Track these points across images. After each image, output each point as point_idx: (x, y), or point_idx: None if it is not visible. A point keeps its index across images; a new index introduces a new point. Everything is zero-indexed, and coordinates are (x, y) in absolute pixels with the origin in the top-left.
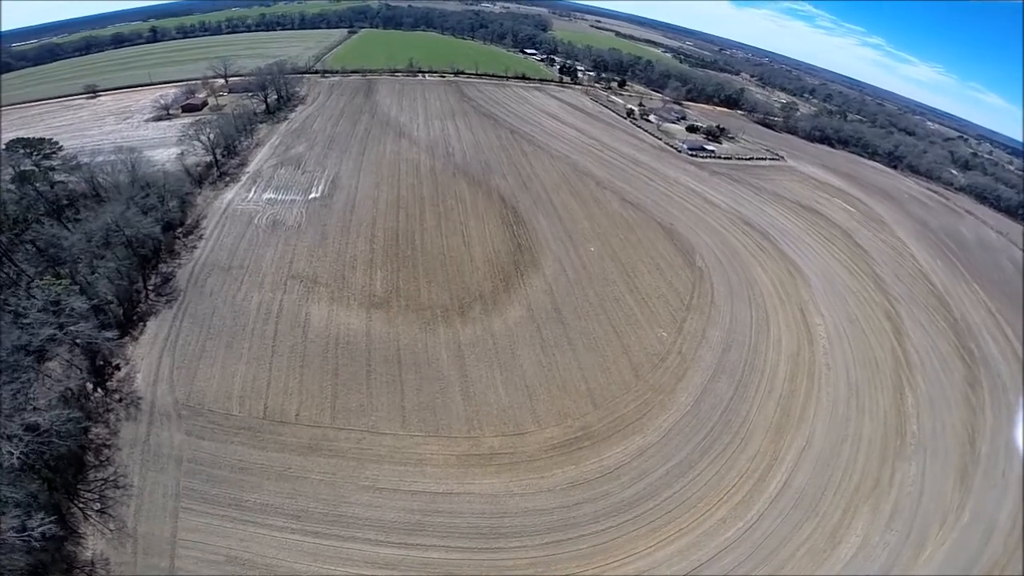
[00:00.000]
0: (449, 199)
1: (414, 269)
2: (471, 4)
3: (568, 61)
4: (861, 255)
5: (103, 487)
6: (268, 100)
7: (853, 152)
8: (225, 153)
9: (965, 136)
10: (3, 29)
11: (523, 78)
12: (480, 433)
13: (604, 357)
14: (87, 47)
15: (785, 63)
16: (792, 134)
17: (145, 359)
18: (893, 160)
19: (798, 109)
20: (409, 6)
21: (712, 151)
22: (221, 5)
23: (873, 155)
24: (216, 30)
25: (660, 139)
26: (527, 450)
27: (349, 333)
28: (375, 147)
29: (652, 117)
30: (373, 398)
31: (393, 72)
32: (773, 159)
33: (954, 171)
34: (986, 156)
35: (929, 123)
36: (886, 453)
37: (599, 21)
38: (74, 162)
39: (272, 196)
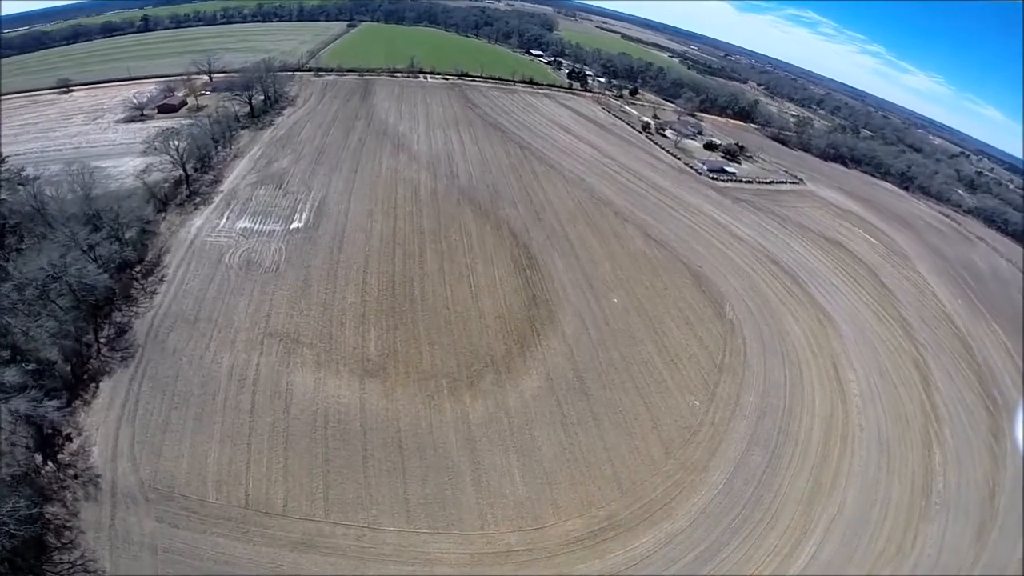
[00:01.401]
0: (453, 234)
1: (414, 327)
2: (475, 0)
3: (577, 65)
4: (887, 297)
5: (71, 570)
6: (253, 102)
7: (866, 172)
8: (198, 167)
9: (966, 152)
10: (3, 14)
11: (531, 83)
12: (495, 529)
13: (632, 433)
14: (75, 35)
15: (788, 70)
16: (806, 151)
17: (100, 429)
18: (905, 181)
19: (812, 124)
20: (412, 0)
21: (733, 173)
22: None
23: (886, 175)
24: (211, 20)
25: (679, 158)
26: (547, 545)
27: (340, 408)
28: (369, 163)
29: (669, 132)
30: (372, 488)
31: (393, 72)
32: (793, 182)
33: (961, 191)
34: (989, 174)
35: (933, 138)
36: (911, 516)
37: (604, 22)
38: (22, 175)
39: (248, 225)
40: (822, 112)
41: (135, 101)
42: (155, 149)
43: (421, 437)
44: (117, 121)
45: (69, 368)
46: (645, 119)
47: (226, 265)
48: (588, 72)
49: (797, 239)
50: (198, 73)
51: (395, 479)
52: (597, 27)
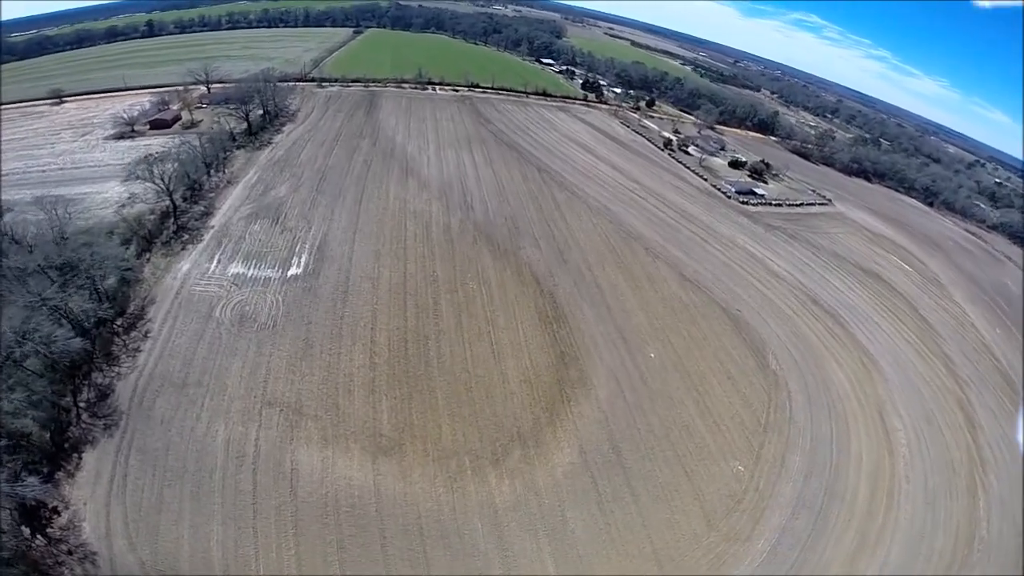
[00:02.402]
0: (470, 281)
1: (431, 396)
2: (482, 6)
3: (590, 75)
4: (927, 331)
5: None
6: (250, 118)
7: (889, 186)
8: (188, 195)
9: (980, 160)
10: (4, 18)
11: (544, 94)
12: None
13: (672, 507)
14: (79, 40)
15: (796, 76)
16: (829, 166)
17: (89, 504)
18: (929, 196)
19: (833, 137)
20: (420, 6)
21: (762, 196)
22: None
23: (909, 190)
24: (216, 25)
25: (705, 179)
26: None
27: (352, 491)
28: (375, 191)
29: (692, 149)
30: None
31: (400, 83)
32: (822, 203)
33: (982, 204)
34: (1007, 184)
35: (948, 146)
36: (952, 566)
37: (611, 28)
38: None
39: (241, 271)
40: (837, 121)
41: (125, 116)
42: (137, 177)
43: (443, 523)
44: (106, 138)
45: (48, 436)
46: (666, 134)
47: (217, 320)
48: (602, 82)
49: (834, 272)
50: (195, 83)
51: (417, 568)
52: (605, 33)
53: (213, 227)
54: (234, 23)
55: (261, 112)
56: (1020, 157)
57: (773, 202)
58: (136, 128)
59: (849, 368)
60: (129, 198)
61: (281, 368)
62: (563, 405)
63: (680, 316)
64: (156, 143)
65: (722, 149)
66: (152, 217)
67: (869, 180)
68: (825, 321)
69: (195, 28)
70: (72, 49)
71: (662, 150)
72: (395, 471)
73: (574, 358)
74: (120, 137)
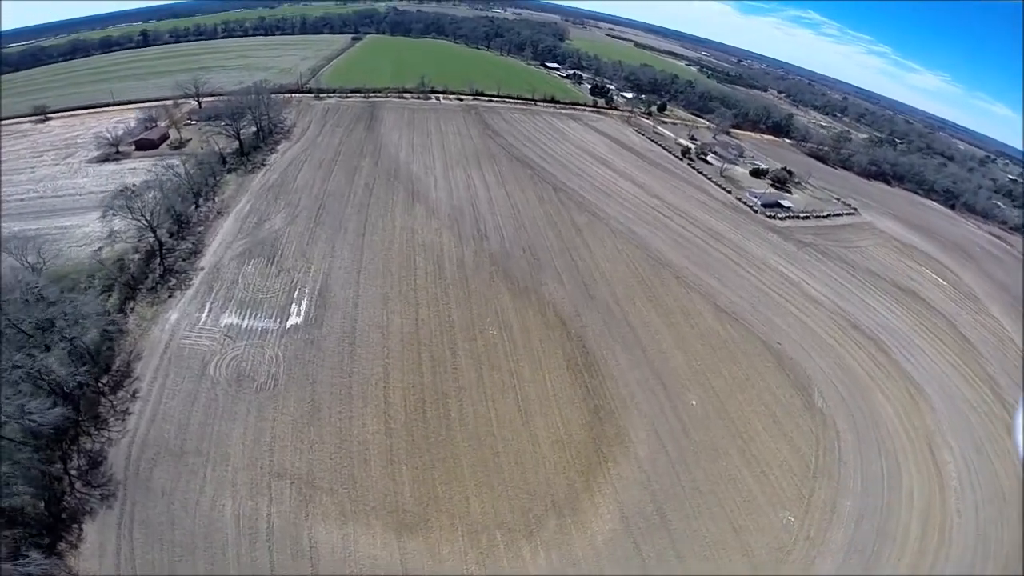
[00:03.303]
0: (489, 326)
1: (455, 464)
2: (481, 9)
3: (597, 79)
4: (970, 352)
5: None
6: (242, 136)
7: (909, 189)
8: (174, 230)
9: (991, 156)
10: (3, 29)
11: (552, 101)
12: None
13: (719, 565)
14: (73, 51)
15: (798, 74)
16: (847, 169)
17: None
18: (950, 198)
19: (850, 139)
20: (418, 11)
21: (789, 207)
22: (227, 6)
23: (929, 192)
24: (211, 34)
25: (729, 191)
26: None
27: (378, 571)
28: (380, 220)
29: (711, 158)
30: None
31: (401, 93)
32: (848, 213)
33: (1001, 204)
34: (1021, 181)
35: (957, 142)
36: None
37: (613, 29)
38: None
39: (234, 321)
40: (846, 120)
41: (108, 137)
42: (115, 213)
43: None
44: (89, 161)
45: (43, 506)
46: (682, 142)
47: (211, 379)
48: (610, 86)
49: (871, 292)
50: (184, 97)
51: None
52: (607, 35)
53: (203, 269)
54: (230, 31)
55: (254, 129)
56: (1021, 149)
57: (801, 215)
58: (121, 149)
59: (896, 400)
60: (108, 236)
61: (287, 435)
62: (600, 467)
63: (719, 354)
64: (141, 166)
65: (741, 156)
66: (136, 257)
67: (889, 183)
68: (868, 349)
69: (190, 37)
70: (66, 60)
71: (680, 159)
72: (422, 549)
73: (610, 411)
74: (104, 160)
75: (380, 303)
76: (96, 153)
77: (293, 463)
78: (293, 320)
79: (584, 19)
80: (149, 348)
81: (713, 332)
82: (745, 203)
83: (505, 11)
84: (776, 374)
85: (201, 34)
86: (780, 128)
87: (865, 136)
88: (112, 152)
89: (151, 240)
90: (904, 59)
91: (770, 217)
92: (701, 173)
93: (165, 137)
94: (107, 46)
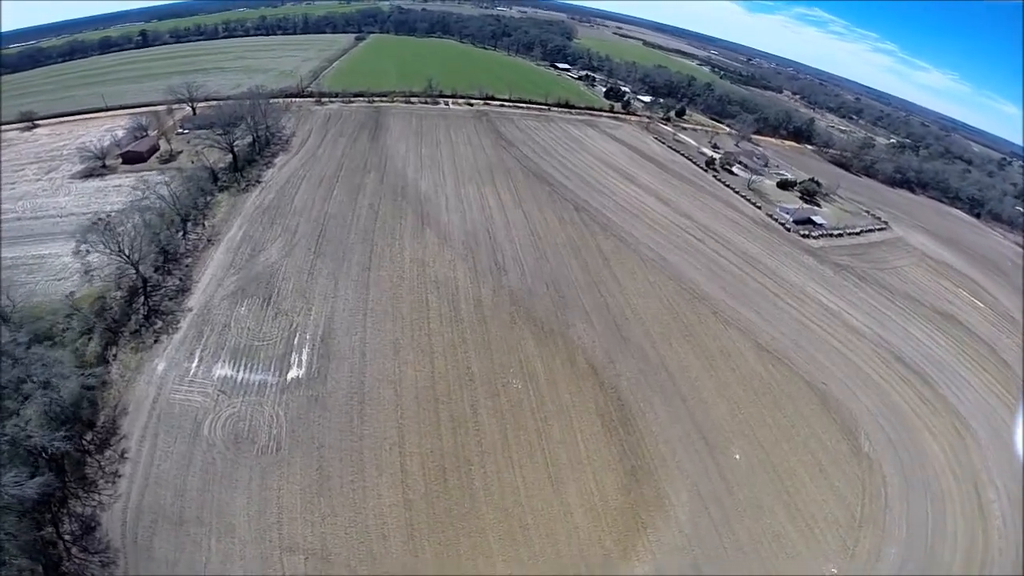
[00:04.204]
0: (513, 377)
1: (480, 538)
2: (486, 7)
3: (611, 80)
4: (1012, 379)
5: None
6: (236, 149)
7: (933, 197)
8: (159, 263)
9: (1007, 158)
10: (4, 29)
11: (567, 106)
12: None
13: None
14: (71, 52)
15: (808, 72)
16: (870, 177)
17: None
18: (975, 206)
19: (873, 145)
20: (423, 9)
21: (822, 224)
22: (229, 5)
23: (954, 199)
24: (212, 34)
25: (759, 207)
26: None
27: None
28: (387, 249)
29: (737, 169)
30: None
31: (408, 97)
32: (880, 228)
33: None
34: None
35: (972, 144)
36: None
37: (620, 27)
38: None
39: (228, 373)
40: (862, 122)
41: (94, 149)
42: (89, 250)
43: None
44: (72, 176)
45: (41, 569)
46: (705, 151)
47: (206, 440)
48: (625, 89)
49: (912, 319)
50: (177, 102)
51: None
52: (615, 33)
53: (191, 310)
54: (231, 31)
55: (251, 138)
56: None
57: (833, 232)
58: (107, 163)
59: (943, 437)
60: (86, 273)
61: (295, 506)
62: (638, 534)
63: (763, 400)
64: (127, 183)
65: (765, 165)
66: (118, 295)
67: (913, 191)
68: (914, 383)
69: (191, 37)
70: (64, 61)
71: (705, 171)
72: None
73: (648, 472)
74: (88, 175)
75: (390, 352)
76: (80, 167)
77: (305, 537)
78: (294, 373)
79: (591, 17)
80: (135, 403)
81: (755, 375)
82: (776, 220)
83: (511, 9)
84: (822, 418)
85: (201, 34)
86: (801, 134)
87: (884, 139)
88: (97, 166)
89: (133, 275)
90: (911, 57)
91: (803, 236)
92: (728, 186)
93: (155, 149)
94: (106, 47)
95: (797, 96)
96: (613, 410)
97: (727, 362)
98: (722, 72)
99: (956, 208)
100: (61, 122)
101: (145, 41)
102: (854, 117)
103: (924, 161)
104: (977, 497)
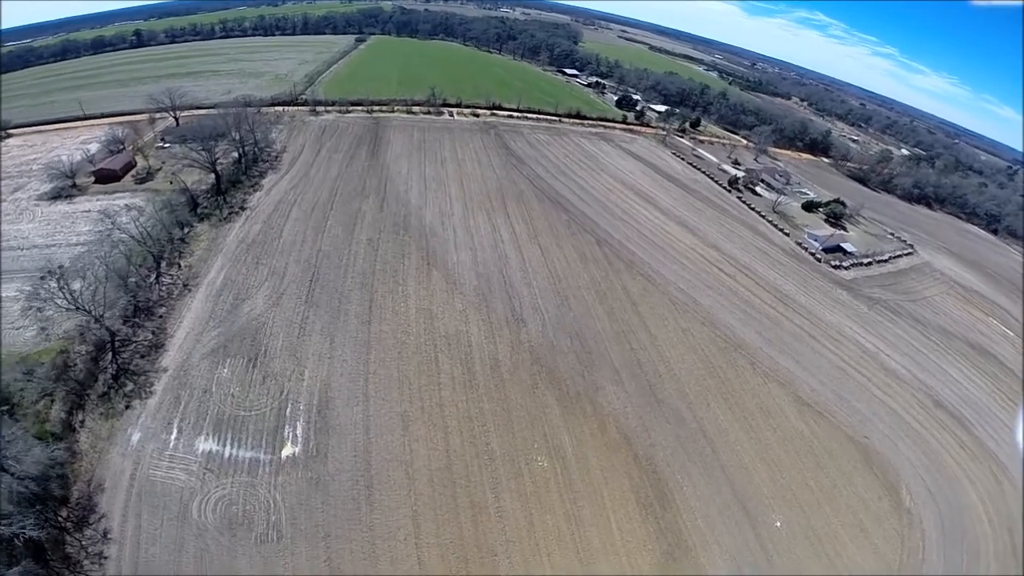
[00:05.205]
0: (537, 454)
1: None
2: (490, 8)
3: (621, 88)
4: None
5: None
6: (220, 168)
7: (950, 212)
8: (128, 312)
9: (1012, 167)
10: (4, 27)
11: (579, 117)
12: None
13: None
14: (63, 52)
15: (811, 77)
16: (888, 192)
17: None
18: (991, 222)
19: (891, 158)
20: (426, 10)
21: (852, 253)
22: (229, 4)
23: (971, 215)
24: (208, 34)
25: (787, 233)
26: None
27: None
28: (388, 297)
29: (760, 188)
30: None
31: (409, 107)
32: (907, 253)
33: None
34: None
35: (979, 152)
36: None
37: (624, 31)
38: None
39: (214, 447)
40: (872, 131)
41: (63, 166)
42: (40, 304)
43: None
44: (40, 197)
45: None
46: (727, 168)
47: (197, 524)
48: (636, 96)
49: (947, 356)
50: (158, 111)
51: None
52: (619, 36)
53: (166, 370)
54: (227, 31)
55: (237, 155)
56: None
57: (864, 260)
58: (77, 182)
59: (981, 484)
60: (42, 331)
61: None
62: None
63: (804, 460)
64: (97, 206)
65: (788, 183)
66: (83, 349)
67: (931, 207)
68: (953, 429)
69: (186, 37)
70: (55, 61)
71: (728, 191)
72: None
73: (686, 550)
74: (56, 196)
75: (398, 427)
76: (48, 187)
77: None
78: (289, 450)
79: (594, 20)
80: (111, 478)
81: (797, 433)
82: (805, 248)
83: (514, 10)
84: (864, 475)
85: (197, 34)
86: (817, 146)
87: (895, 148)
88: (67, 186)
89: (99, 331)
90: (910, 60)
91: (835, 267)
92: (753, 209)
93: (130, 166)
94: (98, 47)
95: (805, 103)
96: (648, 485)
97: (767, 421)
98: (730, 78)
99: (973, 224)
100: (38, 131)
101: (139, 41)
102: (863, 125)
103: (941, 175)
104: (1011, 542)
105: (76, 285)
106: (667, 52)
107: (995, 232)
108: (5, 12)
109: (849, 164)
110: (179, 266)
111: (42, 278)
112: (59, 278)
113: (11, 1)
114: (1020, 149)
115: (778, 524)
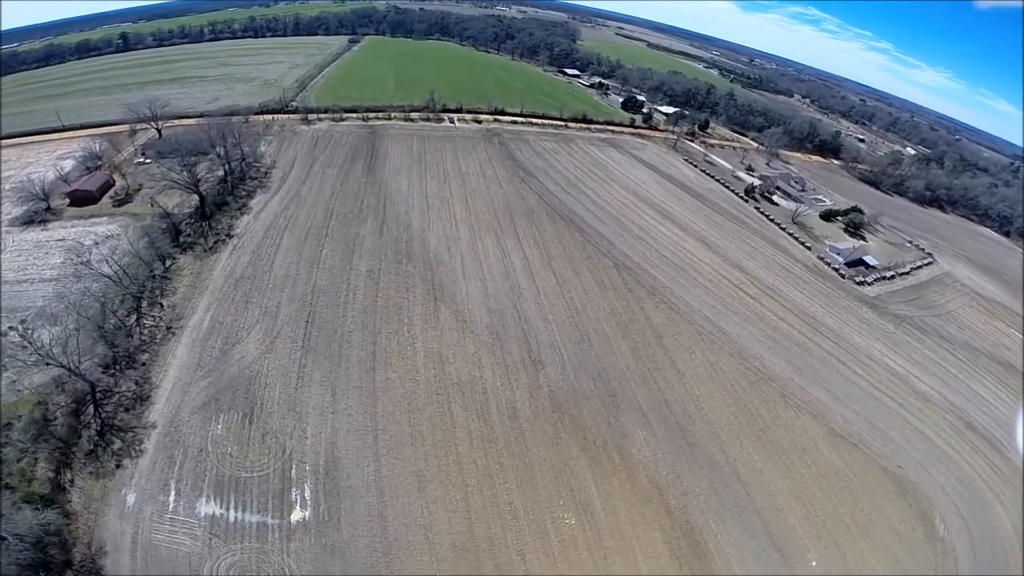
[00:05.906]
0: (563, 509)
1: None
2: (486, 7)
3: (625, 88)
4: None
5: None
6: (204, 189)
7: (961, 215)
8: (108, 359)
9: (1014, 163)
10: (4, 28)
11: (585, 121)
12: None
13: None
14: (47, 57)
15: (808, 72)
16: (900, 195)
17: None
18: (1003, 224)
19: (902, 160)
20: (421, 9)
21: (874, 267)
22: (219, 5)
23: (983, 217)
24: (197, 36)
25: (808, 247)
26: None
27: None
28: (394, 339)
29: (777, 197)
30: None
31: (407, 113)
32: (927, 263)
33: None
34: None
35: (981, 149)
36: None
37: (622, 28)
38: None
39: (217, 511)
40: (875, 128)
41: (35, 188)
42: (6, 362)
43: None
44: (11, 222)
45: None
46: (740, 173)
47: None
48: (641, 97)
49: (975, 375)
50: (139, 121)
51: None
52: (616, 34)
53: (155, 426)
54: (217, 34)
55: (222, 173)
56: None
57: (886, 274)
58: (52, 205)
59: (1012, 507)
60: (13, 383)
61: None
62: None
63: (840, 496)
64: (72, 234)
65: (803, 190)
66: (61, 400)
67: (943, 210)
68: (984, 452)
69: (175, 40)
70: (38, 67)
71: (745, 200)
72: None
73: None
74: (29, 221)
75: (414, 487)
76: (20, 210)
77: None
78: (298, 514)
79: (591, 17)
80: (112, 542)
81: (831, 468)
82: (828, 262)
83: (510, 8)
84: (898, 505)
85: (185, 37)
86: (827, 147)
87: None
88: (40, 209)
89: (79, 385)
90: (905, 55)
91: (859, 283)
92: (773, 221)
93: (108, 186)
94: (83, 52)
95: (807, 100)
96: (681, 535)
97: (801, 458)
98: (731, 76)
99: (985, 227)
100: (16, 143)
101: (126, 45)
102: (866, 122)
103: (951, 176)
104: None
105: (47, 333)
106: (666, 49)
107: (1007, 235)
108: (5, 12)
109: (860, 167)
110: (161, 306)
111: (19, 323)
112: (23, 332)
113: (11, 1)
114: (1020, 144)
115: (813, 563)
